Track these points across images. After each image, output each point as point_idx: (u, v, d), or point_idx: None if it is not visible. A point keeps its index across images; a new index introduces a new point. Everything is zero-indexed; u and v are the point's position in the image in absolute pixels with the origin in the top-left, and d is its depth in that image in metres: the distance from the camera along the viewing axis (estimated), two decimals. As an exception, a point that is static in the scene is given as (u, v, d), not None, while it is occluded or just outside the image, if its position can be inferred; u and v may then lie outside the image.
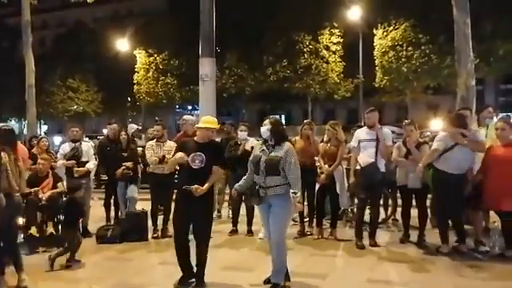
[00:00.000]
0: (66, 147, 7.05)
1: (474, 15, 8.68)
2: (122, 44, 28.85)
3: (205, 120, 4.78)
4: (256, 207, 4.66)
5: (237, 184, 4.71)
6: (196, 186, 4.39)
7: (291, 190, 4.32)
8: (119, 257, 5.78)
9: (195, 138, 4.70)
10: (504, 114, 19.71)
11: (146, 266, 5.43)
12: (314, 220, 6.86)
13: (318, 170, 6.76)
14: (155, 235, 6.79)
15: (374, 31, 24.29)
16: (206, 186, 4.46)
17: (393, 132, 7.36)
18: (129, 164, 7.19)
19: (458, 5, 8.63)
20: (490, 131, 6.45)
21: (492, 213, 6.31)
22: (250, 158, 4.58)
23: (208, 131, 4.64)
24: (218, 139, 7.28)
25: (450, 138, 5.76)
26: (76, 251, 5.35)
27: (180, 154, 4.53)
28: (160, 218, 6.95)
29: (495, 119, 6.75)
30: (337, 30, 26.64)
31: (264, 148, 4.47)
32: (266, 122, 4.50)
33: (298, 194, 4.38)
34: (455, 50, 8.89)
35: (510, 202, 5.33)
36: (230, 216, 7.37)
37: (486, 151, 5.68)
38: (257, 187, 4.41)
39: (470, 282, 4.71)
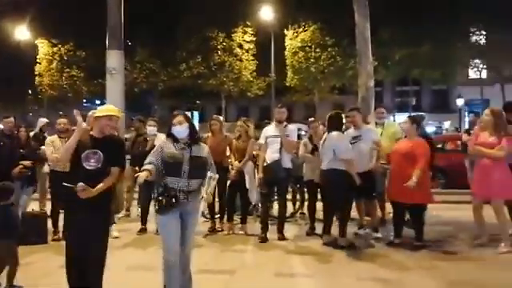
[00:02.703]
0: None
1: (373, 22, 9.28)
2: (22, 32, 26.54)
3: (104, 108, 4.00)
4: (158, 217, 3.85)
5: (149, 166, 3.75)
6: (81, 184, 3.52)
7: (210, 173, 3.81)
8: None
9: (91, 133, 3.80)
10: (418, 113, 21.19)
11: (46, 271, 5.07)
12: (225, 216, 6.92)
13: (230, 167, 6.82)
14: (56, 237, 6.38)
15: (285, 32, 25.05)
16: (97, 188, 3.59)
17: (299, 129, 7.66)
18: (27, 163, 6.66)
19: (360, 10, 9.22)
20: (385, 130, 7.02)
21: (388, 204, 6.83)
22: (161, 156, 3.81)
23: (107, 120, 3.79)
24: (127, 135, 7.02)
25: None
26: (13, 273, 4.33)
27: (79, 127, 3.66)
28: (61, 219, 6.53)
29: (391, 118, 7.34)
30: (250, 29, 26.99)
31: (183, 146, 3.85)
32: (181, 119, 3.89)
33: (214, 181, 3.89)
34: (357, 52, 9.46)
35: (406, 195, 5.68)
36: (139, 214, 7.17)
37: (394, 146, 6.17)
38: (173, 192, 3.72)
39: (371, 270, 5.04)
